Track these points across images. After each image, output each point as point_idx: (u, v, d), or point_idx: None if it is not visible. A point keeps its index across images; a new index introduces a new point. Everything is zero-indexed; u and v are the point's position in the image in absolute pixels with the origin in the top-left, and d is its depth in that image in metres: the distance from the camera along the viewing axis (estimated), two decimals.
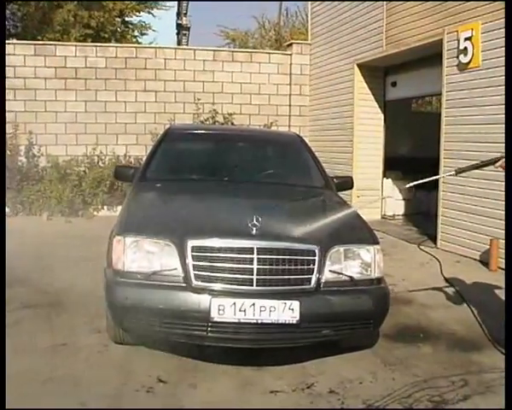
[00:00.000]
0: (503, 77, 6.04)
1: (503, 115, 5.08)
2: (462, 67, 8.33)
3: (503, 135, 4.90)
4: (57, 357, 4.21)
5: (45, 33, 17.29)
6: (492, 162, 4.16)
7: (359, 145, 11.67)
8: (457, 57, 8.40)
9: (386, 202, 12.37)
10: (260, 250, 3.82)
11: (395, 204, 12.57)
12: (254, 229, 3.89)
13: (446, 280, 6.77)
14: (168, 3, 22.38)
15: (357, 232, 4.42)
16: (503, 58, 6.04)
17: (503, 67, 5.85)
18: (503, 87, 5.92)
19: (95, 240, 7.95)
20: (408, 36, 9.68)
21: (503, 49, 6.25)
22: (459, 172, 4.39)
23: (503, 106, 5.46)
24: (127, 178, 5.81)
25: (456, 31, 8.39)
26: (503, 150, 4.13)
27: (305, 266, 3.90)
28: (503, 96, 5.85)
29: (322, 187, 5.57)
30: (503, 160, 4.00)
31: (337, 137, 12.21)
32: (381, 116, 11.91)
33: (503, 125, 5.37)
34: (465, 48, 8.19)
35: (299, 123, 13.55)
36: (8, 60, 12.04)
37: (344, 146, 11.92)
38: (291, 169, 5.94)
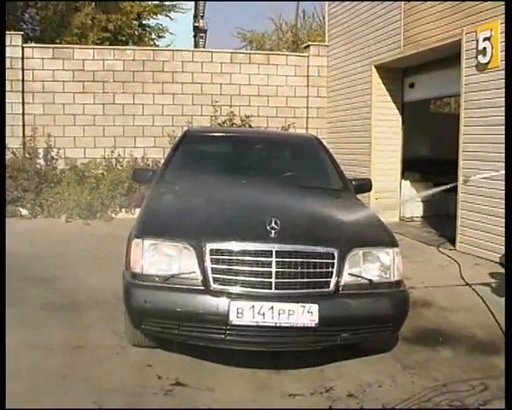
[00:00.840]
0: None
1: None
2: (481, 68, 8.26)
3: None
4: (74, 358, 4.23)
5: (63, 36, 17.44)
6: None
7: (377, 147, 11.62)
8: (476, 58, 8.34)
9: (404, 205, 12.30)
10: (279, 253, 3.81)
11: (413, 206, 12.49)
12: (273, 232, 3.89)
13: (466, 283, 6.72)
14: (185, 6, 22.43)
15: (376, 235, 4.40)
16: None
17: None
18: None
19: (113, 242, 8.01)
20: (426, 36, 9.63)
21: None
22: None
23: None
24: (145, 180, 5.84)
25: (475, 31, 8.33)
26: None
27: (324, 269, 3.89)
28: None
29: (341, 189, 5.55)
30: None
31: (355, 139, 12.17)
32: (399, 118, 11.84)
33: None
34: (484, 48, 8.12)
35: (316, 125, 13.53)
36: (27, 63, 12.21)
37: (362, 148, 11.87)
38: (309, 171, 5.93)
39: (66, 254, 7.75)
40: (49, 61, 12.44)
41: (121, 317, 4.49)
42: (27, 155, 11.91)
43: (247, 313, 3.70)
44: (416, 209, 12.54)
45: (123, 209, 11.57)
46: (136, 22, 20.15)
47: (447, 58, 9.60)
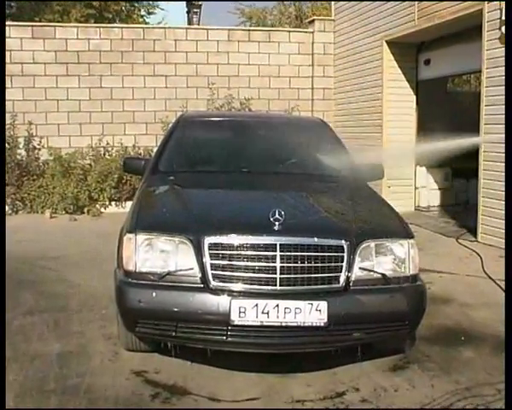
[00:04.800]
0: None
1: None
2: None
3: None
4: (64, 365, 4.26)
5: (43, 14, 17.42)
6: None
7: (389, 130, 11.61)
8: (500, 29, 8.28)
9: (419, 193, 12.32)
10: (284, 247, 3.83)
11: (430, 194, 12.51)
12: (277, 224, 3.90)
13: (489, 277, 6.73)
14: None
15: (390, 225, 4.41)
16: None
17: None
18: None
19: (102, 239, 8.06)
20: (443, 7, 9.59)
21: None
22: None
23: None
24: (137, 170, 5.87)
25: None
26: None
27: (333, 264, 3.90)
28: None
29: (350, 176, 5.57)
30: None
31: (365, 122, 12.17)
32: (413, 98, 11.84)
33: None
34: None
35: (322, 107, 13.53)
36: None
37: (372, 131, 11.87)
38: (315, 157, 5.93)
39: (52, 254, 7.79)
40: (29, 41, 12.45)
41: (113, 320, 4.53)
42: (7, 146, 11.91)
43: (249, 312, 3.71)
44: (433, 198, 12.55)
45: (113, 203, 11.63)
46: None
47: (466, 31, 9.59)
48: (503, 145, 8.21)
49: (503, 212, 8.26)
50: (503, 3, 8.12)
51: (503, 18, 8.16)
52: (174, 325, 3.84)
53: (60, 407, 3.59)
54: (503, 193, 8.21)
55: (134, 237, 3.97)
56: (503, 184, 8.20)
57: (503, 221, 8.24)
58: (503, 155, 8.14)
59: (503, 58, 8.24)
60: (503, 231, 8.23)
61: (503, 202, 8.26)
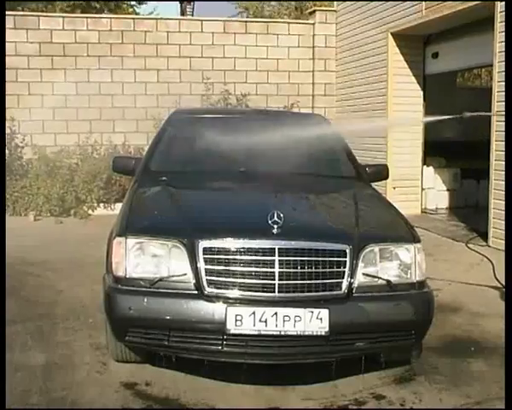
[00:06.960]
0: None
1: None
2: None
3: None
4: (49, 378, 4.26)
5: (26, 3, 17.35)
6: None
7: (395, 128, 11.61)
8: None
9: (426, 194, 12.34)
10: (283, 251, 3.84)
11: (438, 196, 12.54)
12: (275, 227, 3.91)
13: (501, 284, 6.75)
14: None
15: (395, 229, 4.43)
16: None
17: None
18: None
19: (90, 242, 8.06)
20: None
21: None
22: None
23: None
24: (128, 170, 5.87)
25: None
26: None
27: (335, 269, 3.91)
28: None
29: (353, 177, 5.60)
30: None
31: (369, 119, 12.18)
32: (420, 93, 11.86)
33: None
34: None
35: (324, 104, 13.56)
36: None
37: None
38: (316, 157, 5.94)
39: (36, 259, 7.79)
40: (11, 32, 12.42)
41: (102, 328, 4.54)
42: None
43: (246, 321, 3.72)
44: (441, 199, 12.57)
45: (101, 204, 11.62)
46: None
47: (477, 22, 9.58)
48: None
49: None
50: None
51: None
52: (167, 334, 3.84)
53: (61, 407, 3.61)
54: None
55: (124, 241, 3.98)
56: None
57: None
58: None
59: None
60: None
61: None
